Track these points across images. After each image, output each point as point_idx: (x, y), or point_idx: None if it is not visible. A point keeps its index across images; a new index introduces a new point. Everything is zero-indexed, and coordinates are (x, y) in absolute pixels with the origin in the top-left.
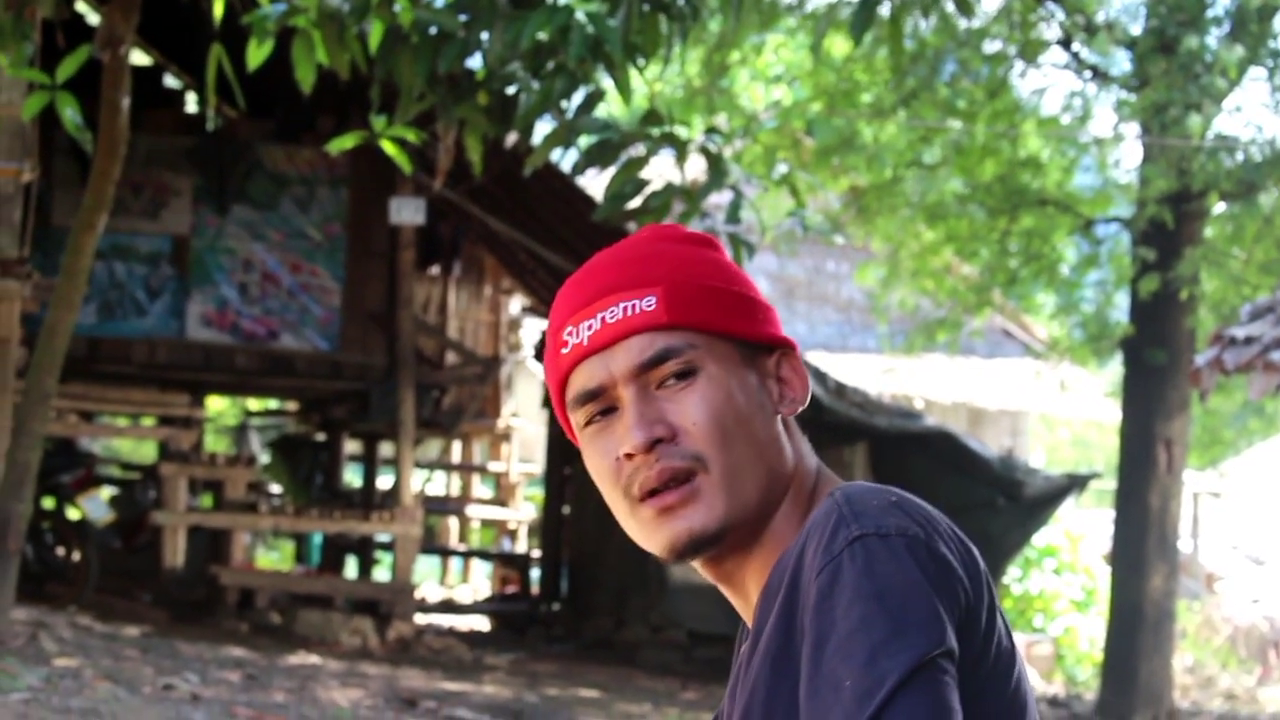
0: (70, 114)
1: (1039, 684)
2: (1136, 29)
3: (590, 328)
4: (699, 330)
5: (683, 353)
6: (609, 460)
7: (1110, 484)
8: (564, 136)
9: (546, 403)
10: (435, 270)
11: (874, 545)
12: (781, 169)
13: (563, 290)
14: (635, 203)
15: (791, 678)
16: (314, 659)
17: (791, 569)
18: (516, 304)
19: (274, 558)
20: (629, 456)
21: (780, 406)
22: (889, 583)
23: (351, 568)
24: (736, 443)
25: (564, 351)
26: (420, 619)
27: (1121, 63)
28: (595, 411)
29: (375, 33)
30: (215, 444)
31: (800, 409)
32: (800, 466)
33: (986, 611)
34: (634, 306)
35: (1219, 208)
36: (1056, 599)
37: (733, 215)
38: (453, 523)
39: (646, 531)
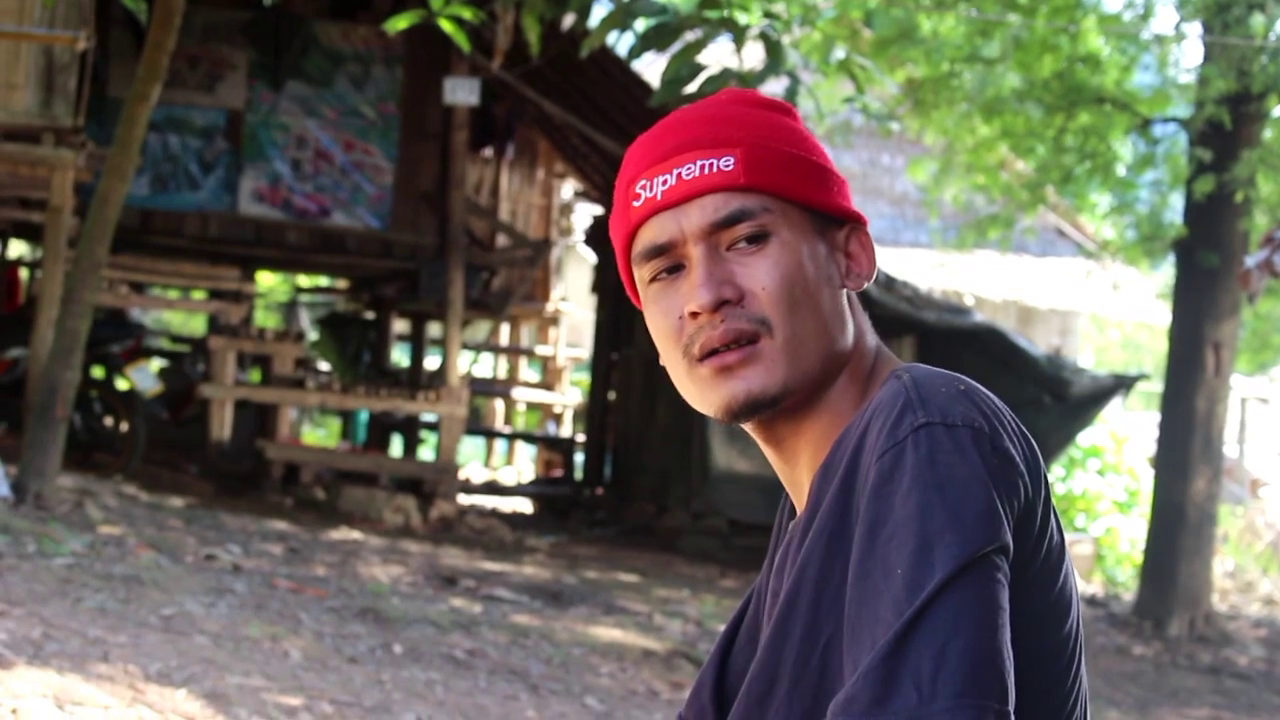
0: None
1: (1079, 584)
2: None
3: (665, 182)
4: (774, 195)
5: (757, 215)
6: (671, 319)
7: (1158, 386)
8: (621, 19)
9: (595, 288)
10: (488, 152)
11: (939, 434)
12: (839, 54)
13: (637, 144)
14: (692, 87)
15: (845, 557)
16: (356, 535)
17: (853, 448)
18: (569, 188)
19: (320, 434)
20: (694, 315)
21: (847, 280)
22: (951, 474)
23: (396, 446)
24: (803, 311)
25: (635, 205)
26: (463, 499)
27: None
28: (661, 269)
29: None
30: (265, 319)
31: (866, 285)
32: (860, 343)
33: (1042, 508)
34: (712, 165)
35: (1278, 110)
36: (1099, 499)
37: (789, 99)
38: (499, 405)
39: (702, 390)
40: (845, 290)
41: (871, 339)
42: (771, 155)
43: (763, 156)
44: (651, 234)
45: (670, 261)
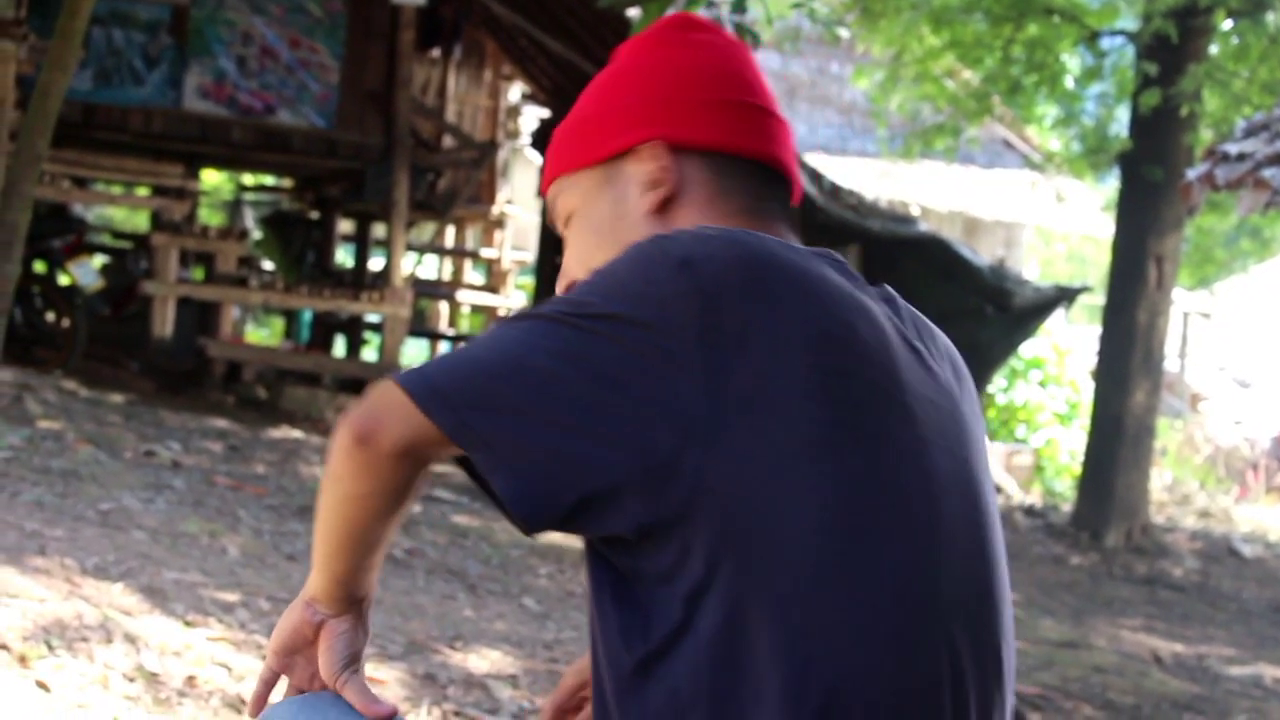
0: None
1: (1017, 494)
2: None
3: None
4: (564, 177)
5: (555, 208)
6: None
7: (1101, 299)
8: None
9: (541, 191)
10: (435, 53)
11: (648, 246)
12: None
13: None
14: None
15: None
16: (297, 434)
17: None
18: (516, 91)
19: (263, 334)
20: None
21: (642, 202)
22: (619, 268)
23: (340, 347)
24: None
25: None
26: None
27: None
28: None
29: None
30: (209, 217)
31: (664, 189)
32: None
33: (790, 381)
34: (540, 176)
35: (1226, 24)
36: (1040, 411)
37: (738, 4)
38: (443, 307)
39: None
40: (649, 212)
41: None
42: (554, 149)
43: (552, 154)
44: None
45: None
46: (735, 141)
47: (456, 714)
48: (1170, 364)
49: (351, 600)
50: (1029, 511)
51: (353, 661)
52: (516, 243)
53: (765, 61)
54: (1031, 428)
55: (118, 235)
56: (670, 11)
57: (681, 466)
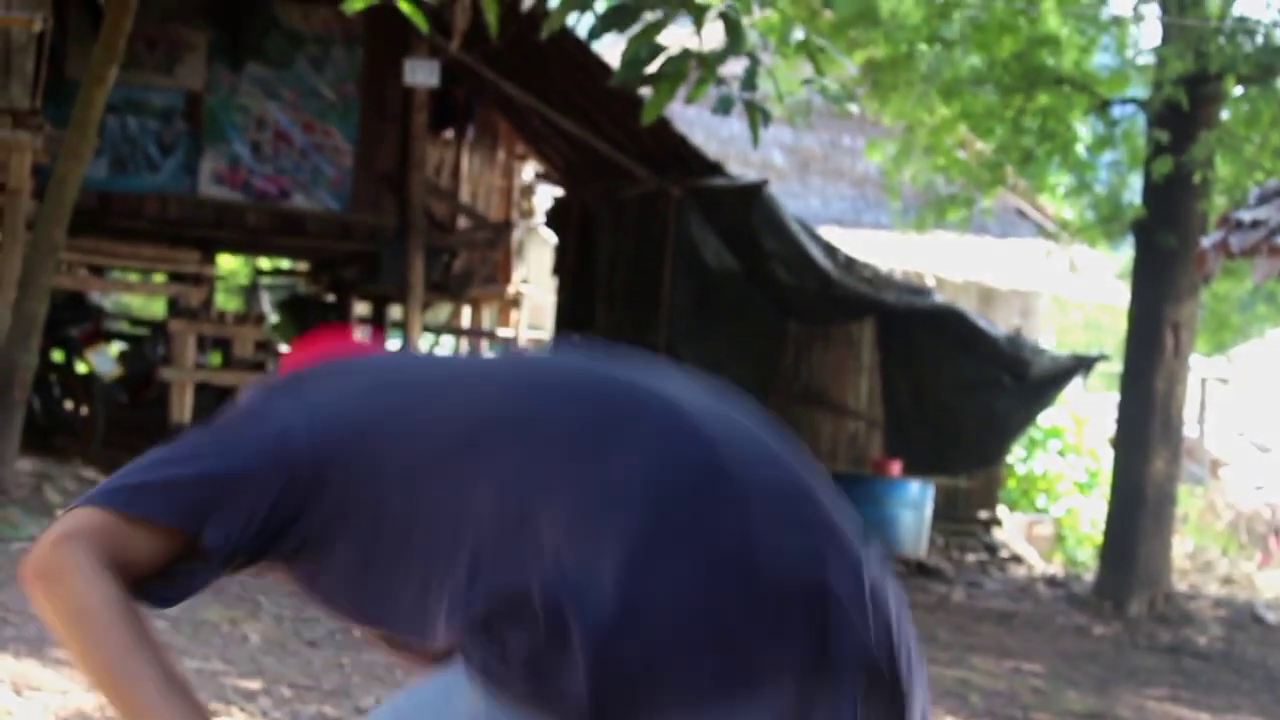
0: None
1: (1039, 564)
2: None
3: None
4: None
5: None
6: None
7: (1118, 367)
8: (581, 0)
9: (557, 269)
10: (449, 134)
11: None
12: (798, 35)
13: None
14: (651, 68)
15: None
16: None
17: None
18: (530, 170)
19: None
20: None
21: None
22: (239, 409)
23: None
24: None
25: None
26: None
27: None
28: None
29: None
30: (225, 302)
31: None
32: None
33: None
34: None
35: (1236, 91)
36: (1060, 480)
37: (748, 82)
38: None
39: None
40: None
41: None
42: None
43: None
44: None
45: None
46: None
47: None
48: (1189, 430)
49: None
50: (1051, 582)
51: None
52: (533, 322)
53: (777, 135)
54: (1052, 497)
55: (135, 322)
56: (680, 89)
57: (317, 486)
